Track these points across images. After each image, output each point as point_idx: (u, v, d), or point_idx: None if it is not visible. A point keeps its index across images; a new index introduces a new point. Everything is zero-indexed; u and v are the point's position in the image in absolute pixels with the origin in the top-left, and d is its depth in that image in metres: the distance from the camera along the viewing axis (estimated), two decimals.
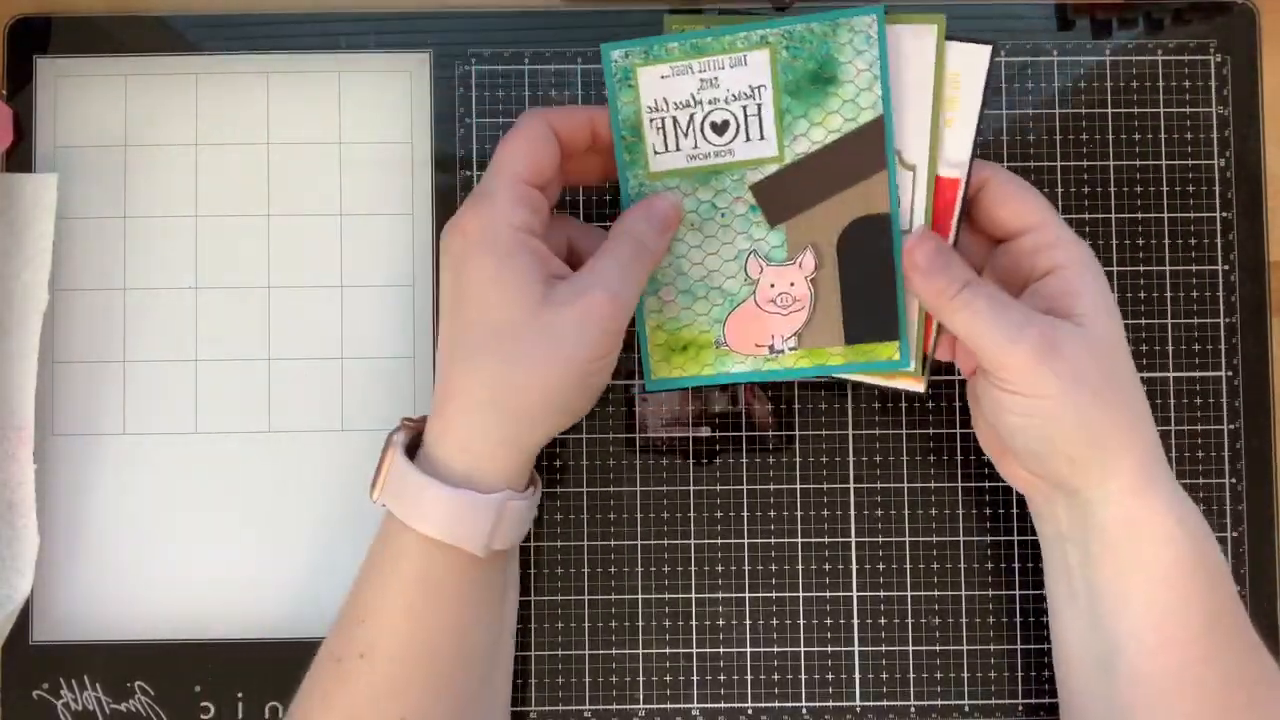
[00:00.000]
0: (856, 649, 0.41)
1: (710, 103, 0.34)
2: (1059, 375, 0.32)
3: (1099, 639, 0.34)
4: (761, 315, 0.37)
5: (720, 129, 0.34)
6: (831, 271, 0.36)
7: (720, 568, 0.41)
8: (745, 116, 0.33)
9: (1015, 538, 0.41)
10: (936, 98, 0.34)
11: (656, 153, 0.34)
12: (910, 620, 0.41)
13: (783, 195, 0.35)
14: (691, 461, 0.41)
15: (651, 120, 0.34)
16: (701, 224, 0.35)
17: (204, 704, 0.40)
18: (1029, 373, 0.32)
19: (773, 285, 0.36)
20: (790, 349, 0.37)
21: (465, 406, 0.33)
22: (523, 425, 0.34)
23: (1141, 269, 0.41)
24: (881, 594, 0.41)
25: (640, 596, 0.41)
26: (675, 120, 0.34)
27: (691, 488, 0.41)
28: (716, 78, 0.33)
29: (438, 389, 0.35)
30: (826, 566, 0.41)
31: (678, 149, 0.34)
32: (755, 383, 0.41)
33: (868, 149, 0.34)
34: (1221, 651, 0.33)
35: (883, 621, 0.41)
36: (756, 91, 0.33)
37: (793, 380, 0.40)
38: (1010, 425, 0.34)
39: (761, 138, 0.34)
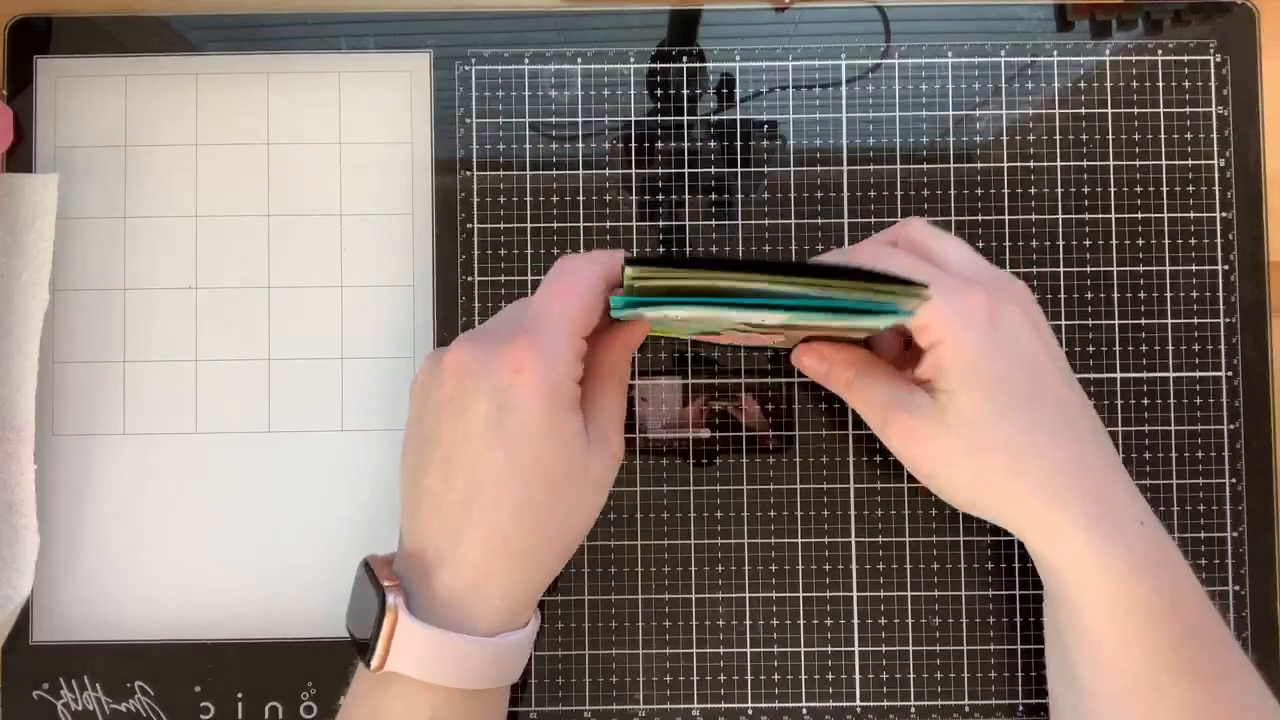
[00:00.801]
0: (856, 649, 0.41)
1: (714, 321, 0.34)
2: (921, 460, 0.35)
3: (1062, 650, 0.35)
4: (727, 337, 0.39)
5: (725, 319, 0.33)
6: (794, 338, 0.38)
7: (720, 568, 0.41)
8: (750, 319, 0.33)
9: (1015, 538, 0.41)
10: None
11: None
12: (910, 620, 0.41)
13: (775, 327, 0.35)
14: (691, 462, 0.41)
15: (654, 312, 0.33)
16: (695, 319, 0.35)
17: (204, 704, 0.40)
18: (901, 457, 0.36)
19: (744, 333, 0.38)
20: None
21: (506, 560, 0.32)
22: (558, 566, 0.35)
23: (1141, 269, 0.41)
24: (881, 594, 0.41)
25: (640, 596, 0.41)
26: (680, 317, 0.33)
27: (691, 488, 0.41)
28: (728, 317, 0.33)
29: (445, 528, 0.33)
30: (826, 566, 0.41)
31: (679, 316, 0.34)
32: (752, 386, 0.41)
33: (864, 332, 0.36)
34: (1174, 684, 0.32)
35: (883, 621, 0.41)
36: (767, 317, 0.32)
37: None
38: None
39: (765, 326, 0.34)
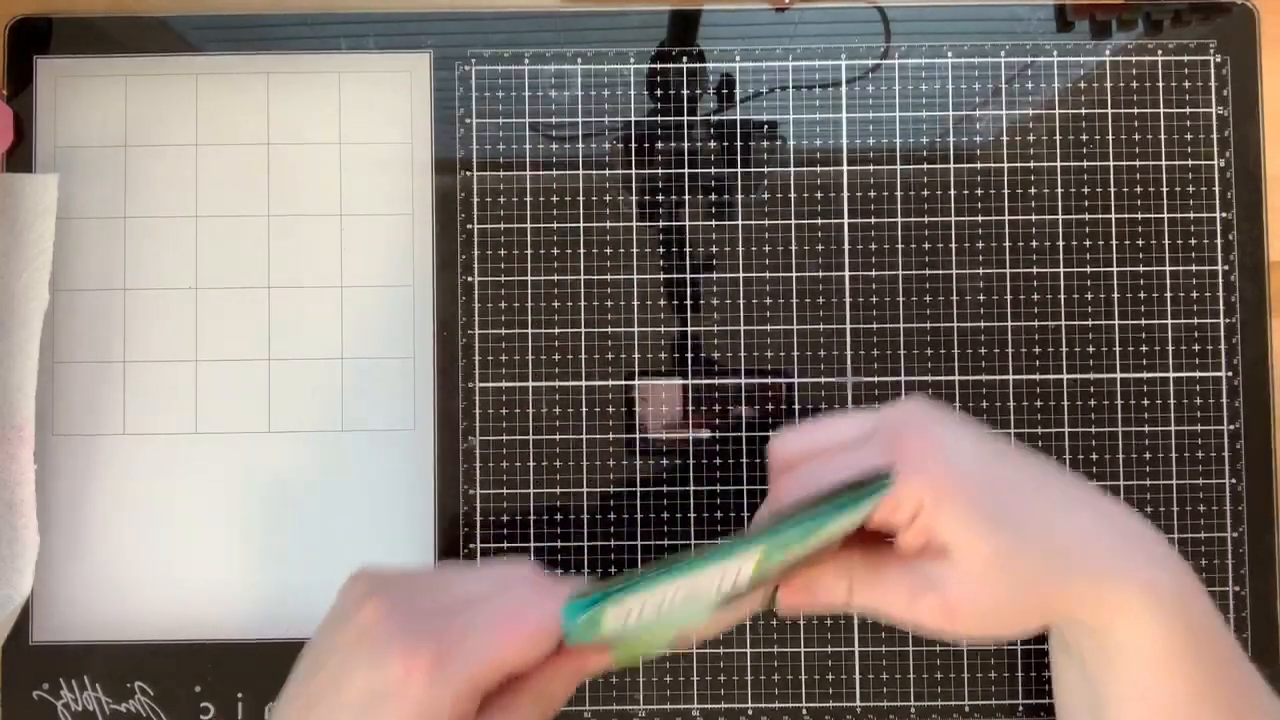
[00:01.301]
0: (856, 649, 0.41)
1: (682, 590, 0.30)
2: (970, 627, 0.32)
3: (1089, 689, 0.34)
4: (707, 625, 0.35)
5: (694, 597, 0.30)
6: (770, 587, 0.34)
7: None
8: (721, 582, 0.30)
9: None
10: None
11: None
12: None
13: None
14: (691, 461, 0.41)
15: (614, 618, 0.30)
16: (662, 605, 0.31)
17: (204, 704, 0.40)
18: (943, 635, 0.33)
19: (720, 608, 0.33)
20: None
21: None
22: None
23: (1141, 269, 0.41)
24: None
25: None
26: (643, 610, 0.30)
27: (691, 488, 0.41)
28: (697, 582, 0.29)
29: None
30: None
31: (640, 608, 0.30)
32: (752, 386, 0.41)
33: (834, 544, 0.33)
34: (1215, 717, 0.32)
35: (883, 622, 0.41)
36: (739, 568, 0.30)
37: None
38: None
39: (739, 585, 0.31)
